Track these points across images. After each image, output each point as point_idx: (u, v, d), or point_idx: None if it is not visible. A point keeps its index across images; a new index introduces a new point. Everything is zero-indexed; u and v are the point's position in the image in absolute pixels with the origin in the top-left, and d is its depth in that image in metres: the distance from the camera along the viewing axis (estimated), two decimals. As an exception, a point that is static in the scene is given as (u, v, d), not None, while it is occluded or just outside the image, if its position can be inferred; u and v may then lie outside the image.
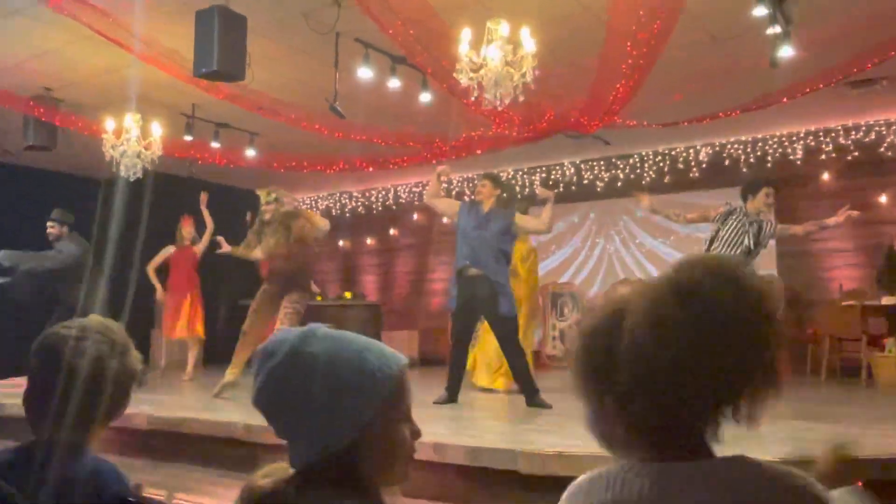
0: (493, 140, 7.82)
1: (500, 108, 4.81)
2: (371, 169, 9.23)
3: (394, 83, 6.57)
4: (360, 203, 12.93)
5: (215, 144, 8.50)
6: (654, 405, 0.95)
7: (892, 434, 3.74)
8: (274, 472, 1.07)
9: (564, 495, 1.06)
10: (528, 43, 4.63)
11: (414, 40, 5.20)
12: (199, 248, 8.64)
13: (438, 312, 11.67)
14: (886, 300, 7.18)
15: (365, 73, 6.26)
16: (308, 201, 13.56)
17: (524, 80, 4.59)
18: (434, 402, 5.34)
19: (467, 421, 4.38)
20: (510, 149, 8.74)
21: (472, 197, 6.42)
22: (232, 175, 10.71)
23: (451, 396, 5.46)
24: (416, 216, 12.31)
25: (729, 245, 5.54)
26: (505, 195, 6.11)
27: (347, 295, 10.99)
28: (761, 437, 3.34)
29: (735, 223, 5.58)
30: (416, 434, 1.12)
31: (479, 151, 8.55)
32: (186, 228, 8.66)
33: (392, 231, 12.49)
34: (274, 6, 5.71)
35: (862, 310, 7.24)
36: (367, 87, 6.65)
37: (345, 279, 12.77)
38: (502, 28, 4.59)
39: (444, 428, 4.11)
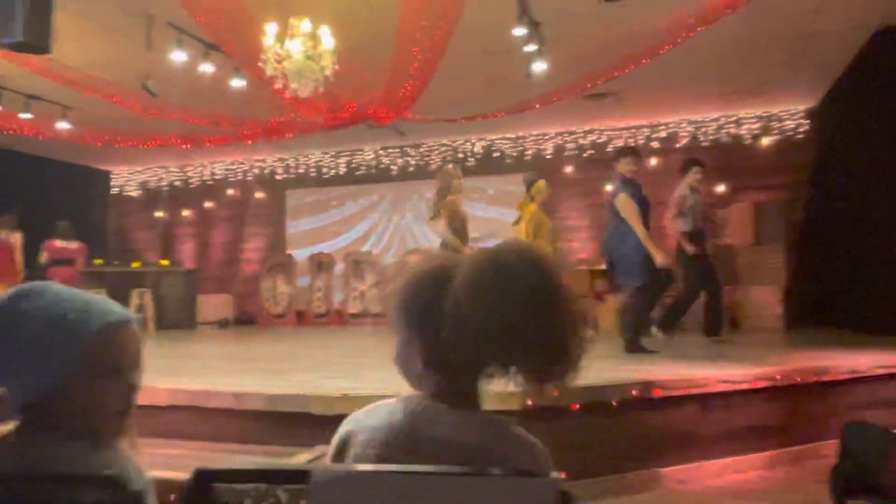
0: (301, 125, 7.58)
1: (302, 98, 4.65)
2: (186, 146, 8.58)
3: (206, 68, 6.12)
4: (177, 177, 12.00)
5: (25, 115, 7.43)
6: (456, 353, 0.97)
7: (604, 368, 4.18)
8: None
9: (345, 420, 1.09)
10: (328, 40, 4.52)
11: (223, 29, 4.86)
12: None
13: (251, 277, 11.23)
14: (606, 264, 7.96)
15: (178, 56, 5.77)
16: (125, 174, 12.36)
17: (324, 74, 4.48)
18: None
19: (271, 373, 4.25)
20: (319, 134, 8.54)
21: None
22: (48, 147, 9.50)
23: None
24: (231, 191, 11.67)
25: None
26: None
27: (164, 262, 10.19)
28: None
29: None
30: (132, 388, 1.04)
31: (289, 135, 8.26)
32: (5, 223, 8.05)
33: (208, 204, 11.75)
34: (82, -17, 5.07)
35: (590, 273, 7.99)
36: (181, 70, 6.14)
37: (162, 247, 11.84)
38: (304, 25, 4.42)
39: (249, 378, 3.97)
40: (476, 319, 0.94)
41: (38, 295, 1.01)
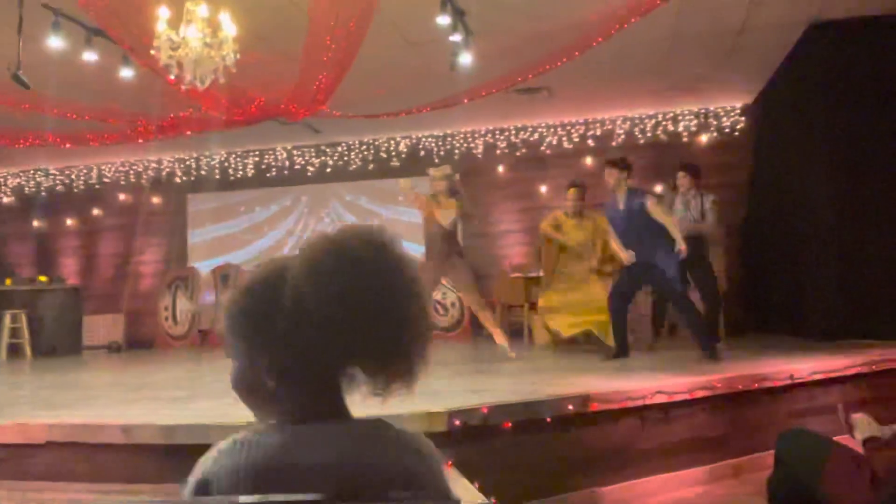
0: (200, 121, 7.37)
1: (201, 89, 4.53)
2: (68, 145, 8.20)
3: (90, 56, 5.87)
4: (58, 181, 11.44)
5: None
6: (308, 353, 0.95)
7: (537, 382, 4.26)
8: None
9: (197, 465, 0.99)
10: (229, 27, 4.43)
11: (109, 13, 4.68)
12: None
13: (147, 294, 10.81)
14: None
15: (55, 42, 5.52)
16: (-6, 178, 11.69)
17: (225, 63, 4.38)
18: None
19: (168, 401, 4.11)
20: (223, 132, 8.34)
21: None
22: None
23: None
24: (122, 196, 11.22)
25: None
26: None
27: (42, 279, 9.68)
28: (438, 392, 3.59)
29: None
30: None
31: (188, 132, 8.02)
32: None
33: (95, 211, 11.25)
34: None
35: (525, 281, 8.12)
36: (60, 58, 5.88)
37: (40, 262, 11.24)
38: (201, 10, 4.32)
39: (140, 409, 3.82)
40: (320, 307, 0.94)
41: None
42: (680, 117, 9.52)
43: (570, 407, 3.43)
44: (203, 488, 0.96)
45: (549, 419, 3.37)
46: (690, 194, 6.53)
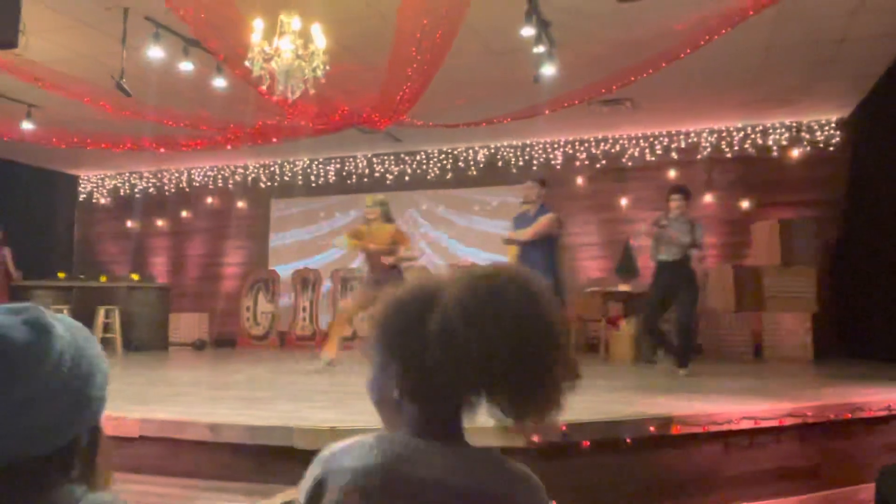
0: (288, 129, 7.61)
1: (291, 100, 4.68)
2: (162, 150, 8.61)
3: (186, 66, 6.15)
4: (151, 184, 12.02)
5: (-14, 114, 7.49)
6: (437, 378, 0.98)
7: (617, 401, 4.18)
8: None
9: (315, 460, 1.06)
10: (320, 39, 4.55)
11: (206, 24, 4.90)
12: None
13: (231, 295, 11.21)
14: (623, 287, 7.99)
15: (155, 52, 5.81)
16: (94, 180, 12.38)
17: (315, 74, 4.51)
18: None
19: (251, 401, 4.24)
20: (306, 139, 8.58)
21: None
22: (11, 149, 9.56)
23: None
24: (210, 200, 11.68)
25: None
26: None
27: (134, 276, 10.17)
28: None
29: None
30: None
31: (274, 140, 8.29)
32: None
33: (185, 213, 11.76)
34: (54, -27, 5.12)
35: (603, 295, 7.99)
36: (158, 68, 6.18)
37: (133, 261, 11.82)
38: (294, 22, 4.46)
39: (226, 408, 3.95)
40: (466, 343, 0.96)
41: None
42: (770, 130, 9.18)
43: (652, 428, 3.34)
44: (319, 485, 1.02)
45: (629, 440, 3.30)
46: (682, 218, 6.39)
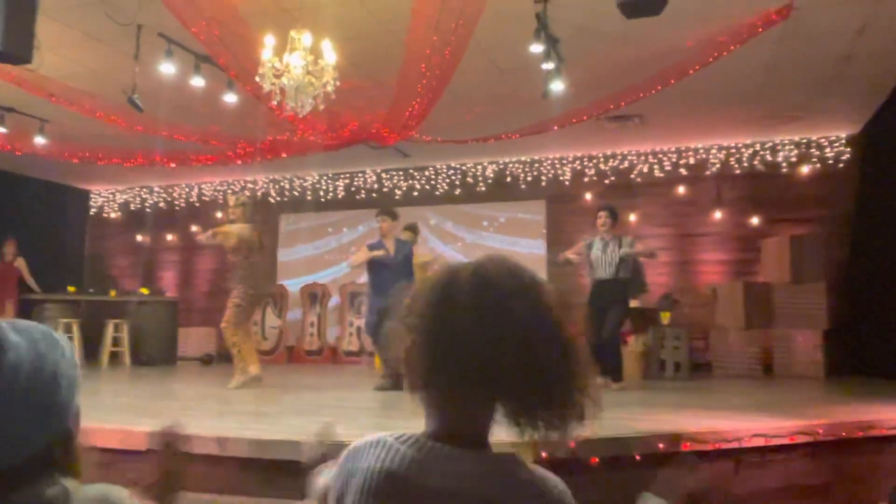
0: (297, 145, 7.66)
1: (301, 115, 4.72)
2: (173, 165, 8.67)
3: (197, 81, 6.21)
4: (161, 198, 12.10)
5: (0, 129, 7.57)
6: (447, 372, 0.98)
7: (625, 417, 4.15)
8: None
9: (343, 454, 1.07)
10: (330, 55, 4.59)
11: (218, 41, 4.95)
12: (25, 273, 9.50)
13: (239, 309, 11.22)
14: (632, 303, 7.95)
15: (167, 68, 5.87)
16: (104, 194, 12.47)
17: (325, 90, 4.55)
18: None
19: (258, 416, 4.24)
20: (316, 154, 8.63)
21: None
22: (23, 163, 9.66)
23: None
24: (220, 215, 11.74)
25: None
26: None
27: (144, 291, 10.22)
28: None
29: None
30: None
31: (284, 155, 8.35)
32: (9, 248, 9.34)
33: (194, 228, 11.81)
34: (69, -10, 5.19)
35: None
36: (170, 83, 6.25)
37: (143, 275, 11.88)
38: (305, 38, 4.51)
39: (233, 422, 3.95)
40: (473, 342, 0.96)
41: None
42: (779, 147, 9.17)
43: (661, 445, 3.32)
44: (336, 481, 1.05)
45: (638, 456, 3.28)
46: (608, 236, 6.58)
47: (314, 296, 10.76)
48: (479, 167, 10.50)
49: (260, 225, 6.88)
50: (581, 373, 1.00)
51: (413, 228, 8.09)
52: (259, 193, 11.55)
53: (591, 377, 1.02)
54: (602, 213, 6.65)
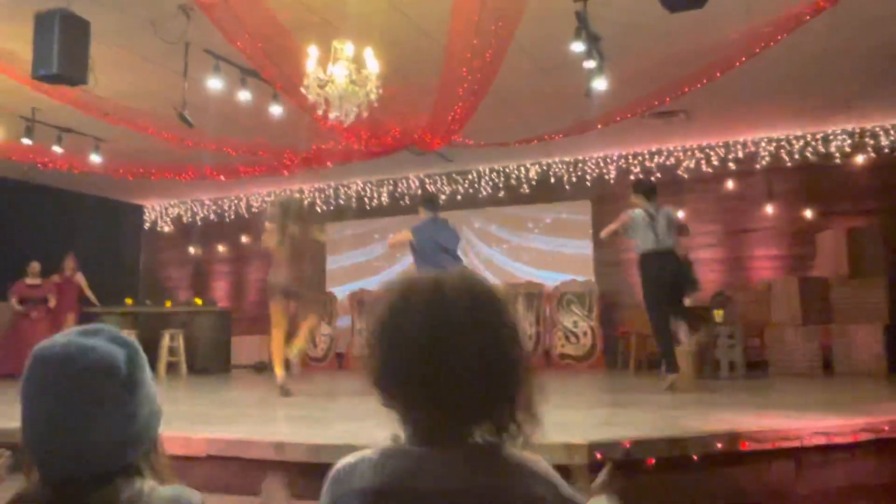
0: (342, 153, 7.76)
1: (346, 124, 4.78)
2: (222, 178, 8.88)
3: (244, 95, 6.36)
4: (211, 211, 12.39)
5: (57, 149, 7.85)
6: (400, 376, 1.02)
7: (680, 417, 4.08)
8: None
9: (327, 481, 1.06)
10: (372, 63, 4.65)
11: (263, 54, 5.06)
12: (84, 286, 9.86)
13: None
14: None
15: (215, 83, 6.02)
16: (157, 209, 12.83)
17: (369, 98, 4.60)
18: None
19: (313, 421, 4.30)
20: (359, 162, 8.72)
21: None
22: (80, 181, 10.03)
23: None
24: (268, 224, 11.93)
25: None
26: None
27: (198, 301, 10.47)
28: (574, 424, 3.53)
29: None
30: None
31: (329, 164, 8.47)
32: (69, 263, 9.73)
33: (244, 239, 12.06)
34: (121, 13, 5.37)
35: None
36: (218, 98, 6.40)
37: (196, 285, 12.18)
38: (347, 48, 4.57)
39: (289, 427, 4.02)
40: (412, 339, 0.99)
41: None
42: (832, 137, 8.92)
43: (719, 445, 3.25)
44: None
45: (695, 457, 3.22)
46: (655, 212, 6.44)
47: (362, 303, 10.86)
48: (522, 169, 10.47)
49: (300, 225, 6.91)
50: (524, 392, 1.02)
51: (430, 202, 6.95)
52: (306, 203, 11.72)
53: (536, 398, 1.04)
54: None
